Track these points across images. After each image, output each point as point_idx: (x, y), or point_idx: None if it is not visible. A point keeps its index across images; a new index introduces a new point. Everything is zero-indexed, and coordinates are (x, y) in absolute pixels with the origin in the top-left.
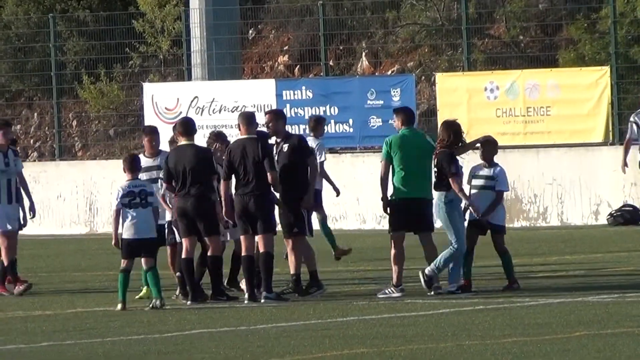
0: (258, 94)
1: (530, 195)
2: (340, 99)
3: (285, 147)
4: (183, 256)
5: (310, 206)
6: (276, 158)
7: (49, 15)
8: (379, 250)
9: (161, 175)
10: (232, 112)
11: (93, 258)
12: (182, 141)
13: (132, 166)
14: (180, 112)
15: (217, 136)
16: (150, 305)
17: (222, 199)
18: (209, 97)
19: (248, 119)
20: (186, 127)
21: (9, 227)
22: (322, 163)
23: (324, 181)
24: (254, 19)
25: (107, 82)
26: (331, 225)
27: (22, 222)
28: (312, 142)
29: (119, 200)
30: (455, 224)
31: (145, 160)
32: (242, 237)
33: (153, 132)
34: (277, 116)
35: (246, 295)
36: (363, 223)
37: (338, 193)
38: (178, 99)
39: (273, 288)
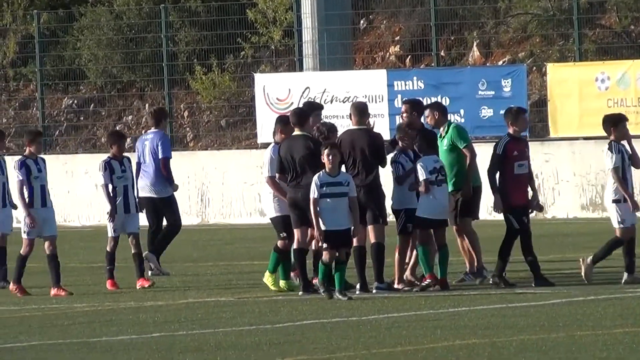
0: (369, 84)
1: None
2: (451, 89)
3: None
4: (295, 246)
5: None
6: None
7: (160, 5)
8: (487, 241)
9: None
10: (344, 102)
11: (205, 249)
12: (296, 131)
13: None
14: (292, 103)
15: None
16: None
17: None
18: (320, 88)
19: (360, 109)
20: (299, 117)
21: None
22: None
23: None
24: (365, 9)
25: (219, 72)
26: None
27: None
28: None
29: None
30: None
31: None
32: None
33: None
34: (412, 107)
35: (358, 286)
36: None
37: None
38: (290, 89)
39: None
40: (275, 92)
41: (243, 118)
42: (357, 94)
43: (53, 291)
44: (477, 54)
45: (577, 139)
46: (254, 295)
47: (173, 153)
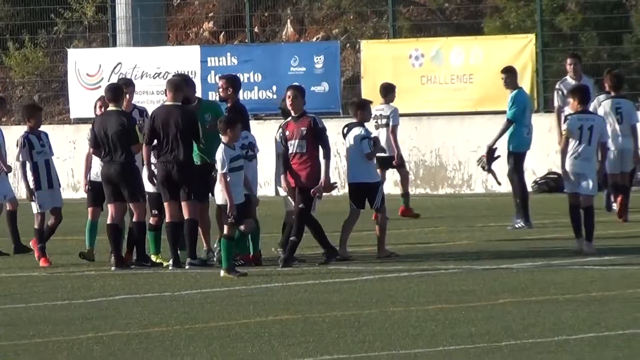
0: (182, 60)
1: (455, 163)
2: (264, 65)
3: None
4: (108, 222)
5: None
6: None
7: None
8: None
9: None
10: (154, 78)
11: (20, 224)
12: (110, 107)
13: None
14: (102, 79)
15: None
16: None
17: (145, 163)
18: (131, 64)
19: (176, 85)
20: (113, 93)
21: None
22: (395, 126)
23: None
24: None
25: (32, 48)
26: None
27: None
28: (387, 109)
29: None
30: None
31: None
32: (165, 204)
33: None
34: (228, 82)
35: (170, 261)
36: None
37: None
38: (100, 65)
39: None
40: (87, 67)
41: (56, 93)
42: (169, 69)
43: None
44: (291, 31)
45: None
46: (67, 271)
47: None
